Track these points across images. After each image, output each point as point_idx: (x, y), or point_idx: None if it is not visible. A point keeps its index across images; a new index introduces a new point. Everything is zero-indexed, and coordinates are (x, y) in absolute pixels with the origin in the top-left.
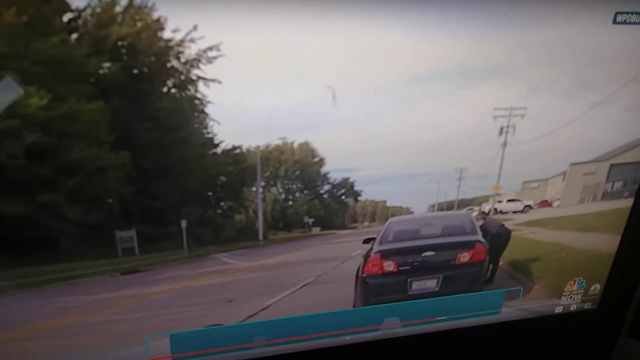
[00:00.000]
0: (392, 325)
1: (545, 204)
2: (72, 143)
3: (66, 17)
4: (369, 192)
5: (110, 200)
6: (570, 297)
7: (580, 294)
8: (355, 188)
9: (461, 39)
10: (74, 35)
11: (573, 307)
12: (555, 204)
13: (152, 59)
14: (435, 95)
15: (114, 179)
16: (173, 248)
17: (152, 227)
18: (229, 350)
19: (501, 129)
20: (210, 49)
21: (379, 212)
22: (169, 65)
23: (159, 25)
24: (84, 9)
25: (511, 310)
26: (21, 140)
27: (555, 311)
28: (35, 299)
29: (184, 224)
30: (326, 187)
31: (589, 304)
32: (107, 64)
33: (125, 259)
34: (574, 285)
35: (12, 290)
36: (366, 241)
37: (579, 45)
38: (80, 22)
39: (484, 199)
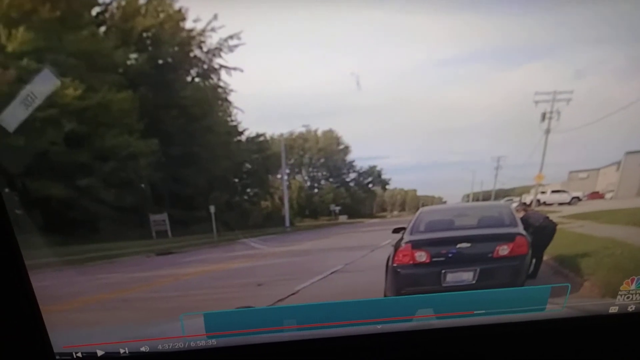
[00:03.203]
0: (426, 316)
1: (595, 195)
2: (105, 131)
3: (94, 11)
4: (397, 181)
5: (142, 185)
6: (628, 297)
7: (639, 294)
8: (383, 176)
9: (495, 18)
10: (102, 28)
11: (631, 308)
12: (607, 195)
13: (176, 49)
14: (468, 79)
15: (144, 165)
16: (203, 232)
17: (182, 211)
18: (260, 332)
19: (543, 115)
20: (231, 37)
21: (409, 201)
22: (191, 54)
23: (180, 15)
24: (110, 2)
25: (558, 308)
26: (60, 128)
27: (610, 311)
28: (80, 275)
29: (212, 209)
30: (352, 175)
31: None
32: (133, 55)
33: (159, 241)
34: (632, 284)
35: (60, 266)
36: (396, 231)
37: (634, 18)
38: (107, 15)
39: (525, 190)
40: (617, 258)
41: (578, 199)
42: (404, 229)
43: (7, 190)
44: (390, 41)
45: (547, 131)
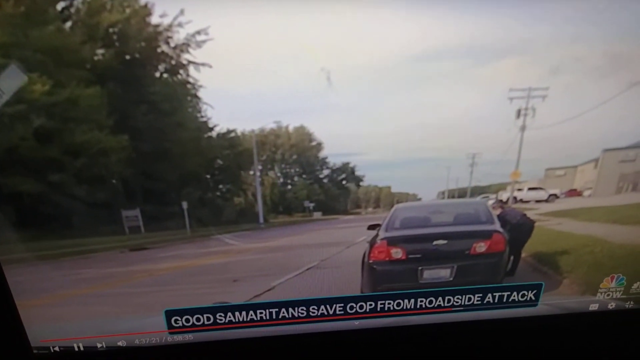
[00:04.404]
0: (404, 313)
1: (573, 193)
2: (75, 126)
3: (59, 6)
4: (371, 178)
5: (114, 180)
6: (608, 295)
7: (619, 291)
8: (357, 173)
9: (469, 14)
10: (68, 24)
11: (611, 306)
12: (585, 193)
13: (143, 44)
14: (441, 75)
15: (115, 160)
16: (176, 228)
17: (155, 207)
18: (235, 327)
19: (518, 112)
20: (199, 33)
21: (384, 198)
22: (159, 50)
23: (146, 10)
24: None
25: (532, 305)
26: (30, 123)
27: (590, 308)
28: (55, 270)
29: (184, 205)
30: (326, 172)
31: (631, 302)
32: (100, 51)
33: (132, 237)
34: (612, 282)
35: (34, 261)
36: (371, 227)
37: (612, 16)
38: (72, 10)
39: (501, 187)
40: (597, 256)
41: (555, 196)
42: (379, 225)
43: None
44: (362, 36)
45: (523, 128)
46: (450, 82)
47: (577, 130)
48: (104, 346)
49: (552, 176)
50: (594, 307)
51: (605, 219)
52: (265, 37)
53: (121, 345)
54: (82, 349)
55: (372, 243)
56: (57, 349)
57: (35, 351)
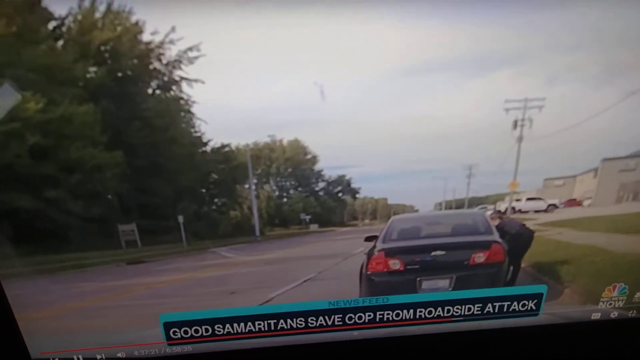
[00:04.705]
0: (402, 323)
1: (573, 202)
2: (69, 143)
3: (51, 25)
4: (367, 189)
5: (109, 196)
6: (610, 304)
7: (622, 300)
8: (353, 185)
9: (464, 25)
10: (60, 42)
11: (614, 315)
12: (585, 203)
13: (135, 61)
14: (434, 88)
15: (110, 176)
16: (173, 241)
17: (151, 221)
18: (234, 338)
19: (515, 122)
20: (191, 49)
21: (380, 210)
22: (151, 67)
23: (137, 28)
24: (66, 17)
25: (534, 314)
26: (24, 140)
27: (592, 317)
28: (53, 283)
29: (180, 219)
30: (321, 185)
31: (634, 312)
32: (93, 68)
33: (129, 251)
34: (614, 291)
35: (33, 275)
36: (368, 239)
37: (609, 24)
38: (64, 29)
39: (499, 197)
40: (598, 265)
41: (555, 206)
42: (376, 237)
43: None
44: (355, 50)
45: (520, 139)
46: (445, 93)
47: (576, 140)
48: (104, 358)
49: (551, 186)
50: (596, 316)
51: (605, 228)
52: (258, 51)
53: (120, 356)
54: None
55: (369, 254)
56: None
57: None
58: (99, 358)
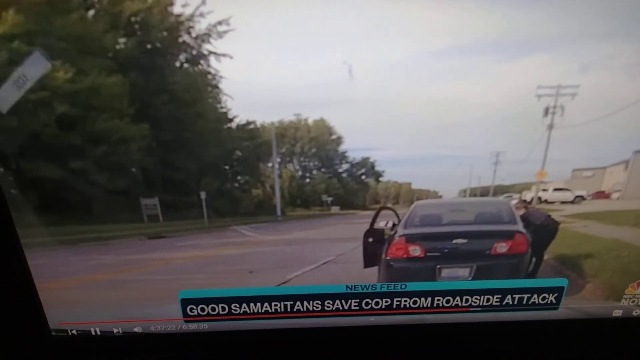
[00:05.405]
0: (420, 311)
1: (601, 195)
2: (96, 114)
3: None
4: (391, 173)
5: (133, 169)
6: (633, 301)
7: None
8: (377, 168)
9: (496, 7)
10: (91, 12)
11: (636, 312)
12: (614, 195)
13: (164, 33)
14: (466, 71)
15: (136, 149)
16: (194, 217)
17: (173, 196)
18: (249, 318)
19: (546, 110)
20: (220, 23)
21: (403, 195)
22: (180, 40)
23: (168, 0)
24: None
25: (553, 309)
26: (52, 110)
27: (614, 314)
28: (74, 255)
29: (203, 195)
30: (345, 166)
31: None
32: (122, 39)
33: (151, 225)
34: (638, 288)
35: (54, 245)
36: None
37: None
38: None
39: (525, 187)
40: (623, 260)
41: (582, 198)
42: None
43: (1, 170)
44: (385, 29)
45: (550, 127)
46: (476, 77)
47: (608, 130)
48: (120, 331)
49: (580, 177)
50: (617, 313)
51: (633, 222)
52: (288, 28)
53: (137, 331)
54: (98, 333)
55: (389, 240)
56: (74, 332)
57: (53, 333)
58: (115, 331)
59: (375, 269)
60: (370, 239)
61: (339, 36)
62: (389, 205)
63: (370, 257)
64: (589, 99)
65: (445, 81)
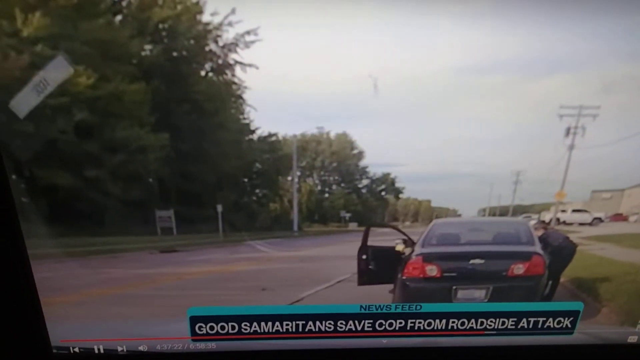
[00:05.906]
0: (434, 333)
1: (619, 217)
2: (116, 122)
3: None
4: (411, 190)
5: (150, 179)
6: None
7: None
8: (397, 185)
9: (522, 26)
10: (119, 17)
11: None
12: (632, 218)
13: (192, 42)
14: (489, 89)
15: (153, 159)
16: (209, 231)
17: (189, 208)
18: (258, 338)
19: (568, 130)
20: (248, 33)
21: (422, 212)
22: (207, 48)
23: (198, 8)
24: None
25: (568, 333)
26: (71, 116)
27: (629, 340)
28: (82, 267)
29: (219, 208)
30: (365, 182)
31: None
32: (148, 46)
33: (164, 238)
34: None
35: (63, 258)
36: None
37: None
38: (124, 4)
39: (544, 207)
40: (639, 285)
41: (600, 220)
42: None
43: (14, 177)
44: (411, 45)
45: (571, 147)
46: (498, 96)
47: (628, 152)
48: (125, 350)
49: (598, 199)
50: (632, 339)
51: None
52: (314, 40)
53: (142, 350)
54: (102, 351)
55: (406, 259)
56: (76, 349)
57: (54, 350)
58: (119, 350)
59: (386, 288)
60: (364, 256)
61: (365, 49)
62: (393, 223)
63: (363, 274)
64: (610, 120)
65: (468, 99)
